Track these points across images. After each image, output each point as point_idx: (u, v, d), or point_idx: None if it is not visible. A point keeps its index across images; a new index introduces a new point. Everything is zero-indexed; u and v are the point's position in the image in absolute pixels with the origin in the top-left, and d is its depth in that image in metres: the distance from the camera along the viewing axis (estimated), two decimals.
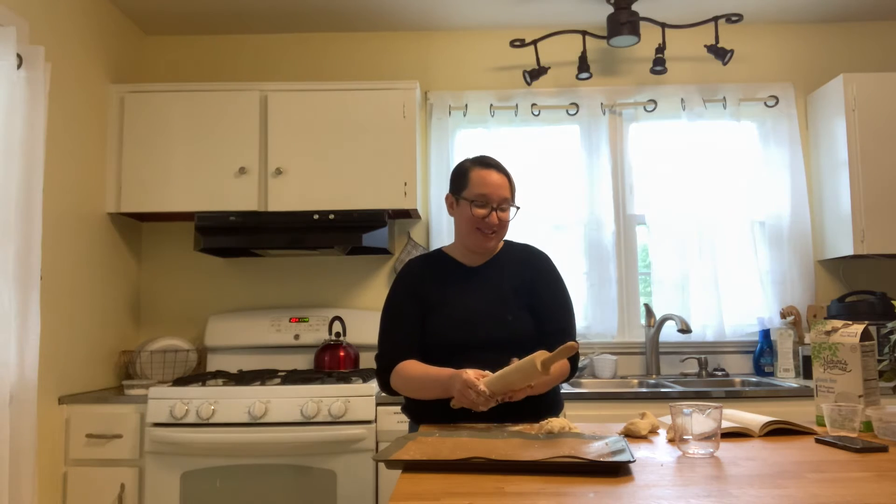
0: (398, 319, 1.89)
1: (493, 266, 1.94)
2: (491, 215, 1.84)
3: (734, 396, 2.58)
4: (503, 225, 1.88)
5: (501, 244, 2.00)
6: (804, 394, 2.56)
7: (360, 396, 2.50)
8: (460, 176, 1.91)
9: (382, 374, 1.87)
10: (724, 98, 3.26)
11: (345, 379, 2.62)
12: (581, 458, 1.23)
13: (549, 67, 3.31)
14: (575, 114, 3.29)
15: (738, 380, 3.00)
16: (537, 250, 2.00)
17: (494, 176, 1.86)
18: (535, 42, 3.22)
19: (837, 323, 1.67)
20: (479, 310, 1.86)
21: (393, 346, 1.87)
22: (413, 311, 1.89)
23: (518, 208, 1.91)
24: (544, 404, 1.84)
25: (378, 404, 2.53)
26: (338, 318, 3.07)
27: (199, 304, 3.28)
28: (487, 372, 1.65)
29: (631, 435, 1.56)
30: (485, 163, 1.90)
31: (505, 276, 1.91)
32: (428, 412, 1.80)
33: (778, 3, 3.17)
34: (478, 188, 1.85)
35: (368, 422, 2.49)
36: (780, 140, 3.25)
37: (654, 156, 3.28)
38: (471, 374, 1.62)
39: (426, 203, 3.30)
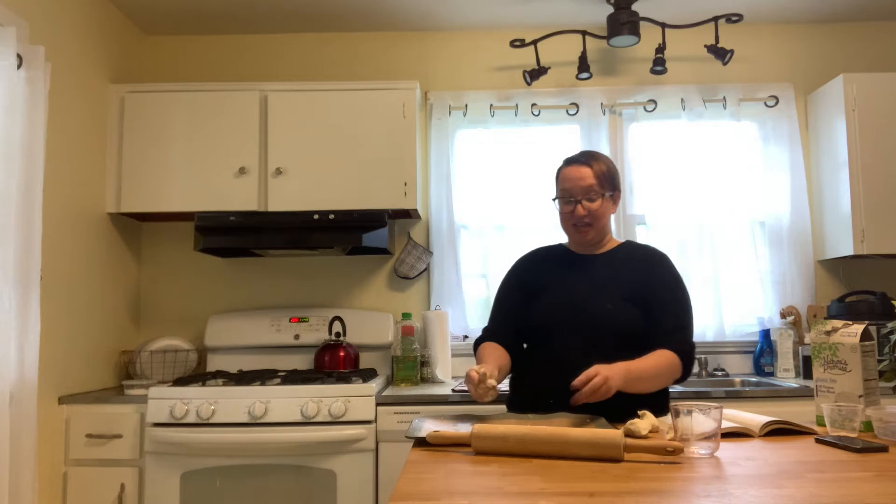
0: (497, 303, 2.03)
1: (605, 257, 1.96)
2: (576, 208, 1.89)
3: (734, 396, 2.58)
4: (593, 215, 1.89)
5: (620, 242, 2.01)
6: (804, 394, 2.56)
7: (360, 396, 2.50)
8: (555, 179, 2.00)
9: (476, 348, 1.98)
10: (724, 98, 3.26)
11: (345, 379, 2.62)
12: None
13: (549, 67, 3.31)
14: (575, 114, 3.29)
15: (738, 380, 3.00)
16: (658, 252, 1.98)
17: (574, 169, 1.92)
18: (535, 42, 3.22)
19: (837, 323, 1.67)
20: (579, 294, 1.87)
21: (488, 326, 2.01)
22: (512, 297, 1.99)
23: (611, 194, 1.92)
24: (646, 404, 1.75)
25: (378, 404, 2.53)
26: (338, 318, 3.07)
27: (199, 304, 3.28)
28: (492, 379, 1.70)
29: (631, 435, 1.56)
30: (567, 160, 1.98)
31: (615, 267, 1.92)
32: (524, 408, 1.84)
33: (778, 3, 3.17)
34: (560, 185, 1.95)
35: (368, 422, 2.49)
36: (780, 140, 3.24)
37: (654, 156, 3.28)
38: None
39: (426, 203, 3.30)
